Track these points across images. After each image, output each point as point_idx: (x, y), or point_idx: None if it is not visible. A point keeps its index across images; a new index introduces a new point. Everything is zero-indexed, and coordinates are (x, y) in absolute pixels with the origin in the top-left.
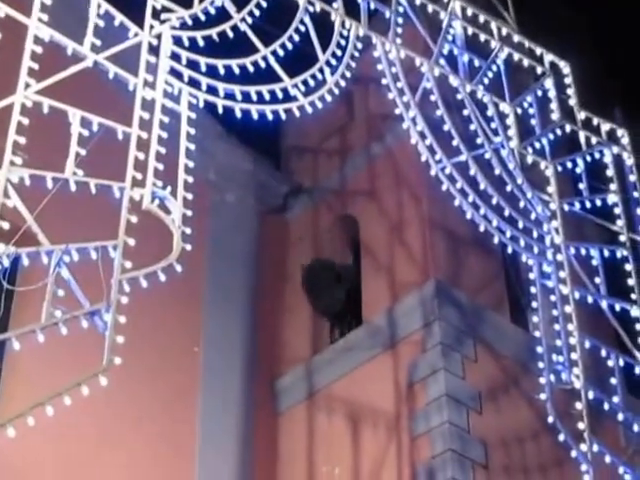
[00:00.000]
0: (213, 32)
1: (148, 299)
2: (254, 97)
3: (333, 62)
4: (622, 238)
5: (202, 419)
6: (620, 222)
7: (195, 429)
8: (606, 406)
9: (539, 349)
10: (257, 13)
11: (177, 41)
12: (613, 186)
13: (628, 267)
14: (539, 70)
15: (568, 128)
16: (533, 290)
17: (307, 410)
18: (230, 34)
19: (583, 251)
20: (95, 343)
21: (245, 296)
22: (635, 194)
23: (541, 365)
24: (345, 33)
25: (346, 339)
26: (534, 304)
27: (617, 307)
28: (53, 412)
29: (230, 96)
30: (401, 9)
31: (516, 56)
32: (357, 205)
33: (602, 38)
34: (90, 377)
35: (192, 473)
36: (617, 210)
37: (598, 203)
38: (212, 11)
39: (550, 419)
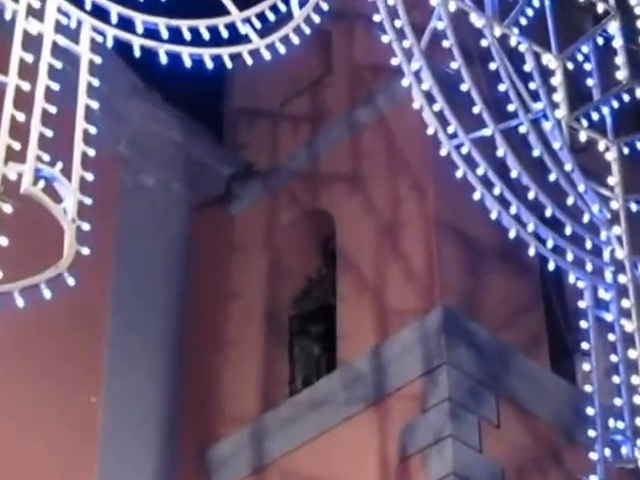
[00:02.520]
0: None
1: (26, 325)
2: (187, 36)
3: None
4: None
5: None
6: None
7: None
8: None
9: (590, 411)
10: None
11: None
12: None
13: None
14: (600, 8)
15: None
16: (584, 325)
17: None
18: None
19: None
20: None
21: (168, 324)
22: None
23: (592, 434)
24: None
25: (313, 390)
26: (585, 345)
27: None
28: None
29: (152, 33)
30: None
31: None
32: (333, 196)
33: None
34: None
35: None
36: None
37: None
38: None
39: None
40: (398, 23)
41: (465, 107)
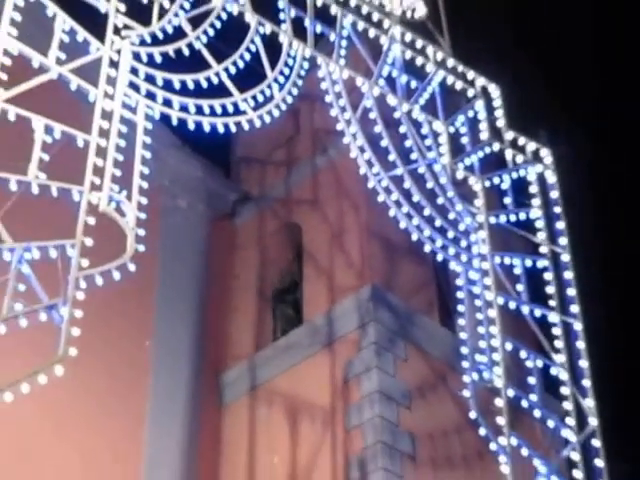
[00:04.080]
0: (170, 49)
1: (103, 295)
2: (206, 110)
3: (281, 80)
4: (543, 249)
5: (152, 409)
6: (542, 235)
7: (145, 418)
8: (524, 403)
9: (464, 350)
10: (211, 32)
11: (136, 56)
12: (536, 201)
13: (548, 276)
14: (471, 92)
15: (496, 146)
16: (460, 295)
17: (249, 403)
18: (186, 51)
19: (507, 260)
20: (52, 336)
21: (194, 295)
22: (556, 209)
23: (466, 365)
24: (293, 53)
25: (287, 337)
26: (461, 308)
27: (537, 313)
28: (12, 399)
29: (184, 109)
30: (345, 32)
31: (450, 79)
32: (301, 213)
33: (532, 63)
34: (47, 366)
35: (140, 459)
36: (539, 224)
37: (522, 217)
38: (169, 29)
39: (472, 414)
40: (342, 102)
41: (384, 156)
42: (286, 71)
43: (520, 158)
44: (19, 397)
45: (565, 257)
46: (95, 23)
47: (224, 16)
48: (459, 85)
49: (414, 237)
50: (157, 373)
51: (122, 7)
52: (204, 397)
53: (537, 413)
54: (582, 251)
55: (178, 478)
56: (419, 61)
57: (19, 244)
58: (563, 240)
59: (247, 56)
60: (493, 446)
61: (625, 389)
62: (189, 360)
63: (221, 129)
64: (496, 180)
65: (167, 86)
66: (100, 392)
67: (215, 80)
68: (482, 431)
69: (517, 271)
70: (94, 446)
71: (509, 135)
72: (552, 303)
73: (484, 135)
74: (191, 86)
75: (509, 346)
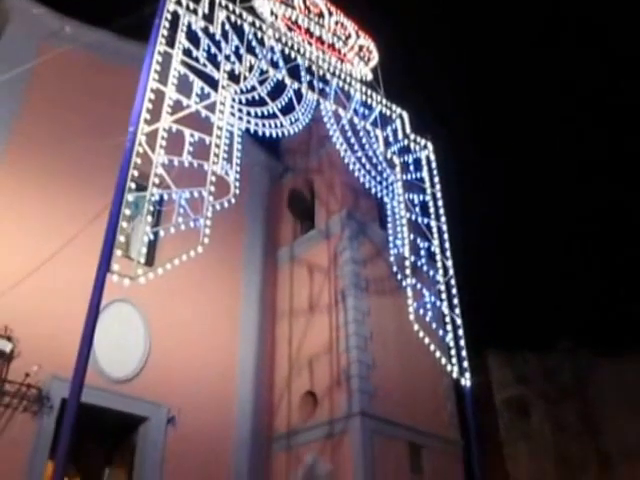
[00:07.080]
0: (249, 95)
1: (220, 215)
2: (267, 125)
3: (303, 110)
4: (428, 191)
5: (244, 269)
6: (427, 184)
7: (241, 275)
8: (418, 263)
9: (390, 238)
10: (269, 87)
11: (233, 99)
12: (425, 168)
13: (430, 204)
14: (394, 116)
15: (406, 142)
16: (388, 212)
17: (290, 265)
18: (256, 97)
19: (411, 196)
20: (194, 237)
21: (262, 216)
22: (435, 172)
23: (391, 245)
24: (309, 97)
25: (308, 234)
26: (389, 219)
27: (425, 221)
28: (169, 268)
29: (257, 124)
30: (333, 87)
31: (384, 109)
32: (313, 176)
33: (425, 101)
34: (195, 247)
35: (239, 292)
36: (427, 179)
37: (418, 176)
38: (249, 86)
39: (394, 269)
40: (332, 121)
41: (352, 147)
42: (305, 106)
43: (417, 147)
44: (181, 264)
45: (438, 194)
46: (213, 82)
47: (275, 80)
48: (388, 112)
49: (367, 185)
50: (246, 252)
51: (225, 75)
52: (269, 262)
53: (425, 267)
54: (446, 191)
55: (258, 299)
56: (369, 101)
57: (180, 190)
58: (437, 186)
59: (286, 99)
60: (404, 283)
61: (466, 253)
62: (261, 245)
63: (274, 135)
64: (406, 158)
65: (249, 113)
66: (216, 264)
67: (271, 110)
68: (399, 276)
69: (416, 201)
70: (213, 293)
71: (412, 136)
72: (432, 216)
73: (400, 136)
74: (259, 113)
75: (412, 237)
